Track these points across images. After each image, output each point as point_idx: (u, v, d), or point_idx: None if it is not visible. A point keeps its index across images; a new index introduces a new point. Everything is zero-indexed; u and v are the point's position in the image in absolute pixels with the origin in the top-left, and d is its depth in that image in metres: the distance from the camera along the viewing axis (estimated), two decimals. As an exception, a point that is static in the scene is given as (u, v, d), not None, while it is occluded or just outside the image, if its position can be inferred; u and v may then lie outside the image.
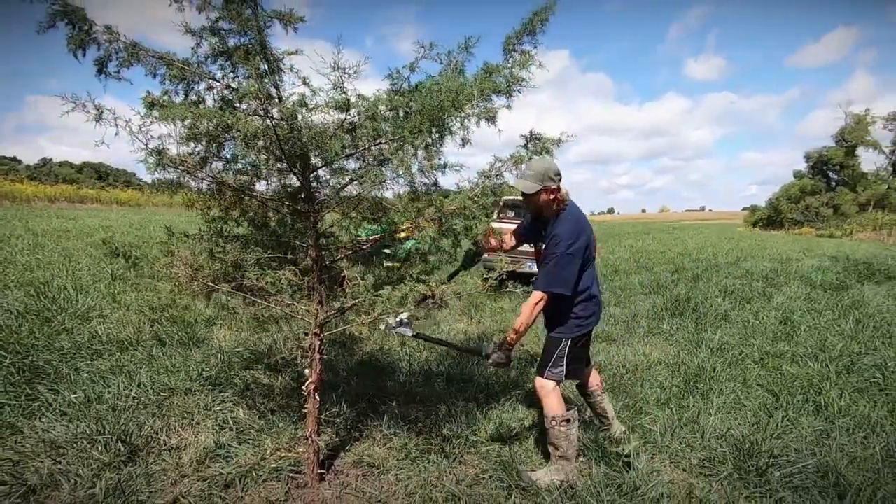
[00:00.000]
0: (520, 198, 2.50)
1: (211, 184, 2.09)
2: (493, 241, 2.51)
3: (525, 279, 6.91)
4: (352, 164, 2.11)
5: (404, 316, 2.30)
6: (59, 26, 1.72)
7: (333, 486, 2.25)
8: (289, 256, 2.30)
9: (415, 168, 2.00)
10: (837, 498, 2.15)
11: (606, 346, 4.41)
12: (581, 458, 2.48)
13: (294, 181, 2.16)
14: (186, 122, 1.83)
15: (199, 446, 2.43)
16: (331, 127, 1.88)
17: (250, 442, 2.53)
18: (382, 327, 2.27)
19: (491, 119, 2.06)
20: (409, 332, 2.50)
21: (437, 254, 2.34)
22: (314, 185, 2.13)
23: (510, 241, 2.59)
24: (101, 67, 1.83)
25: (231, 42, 1.84)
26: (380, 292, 2.27)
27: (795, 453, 2.52)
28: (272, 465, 2.32)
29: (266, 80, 1.87)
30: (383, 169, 2.00)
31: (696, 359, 4.00)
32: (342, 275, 2.22)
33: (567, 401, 2.72)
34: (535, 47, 2.05)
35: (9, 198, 19.19)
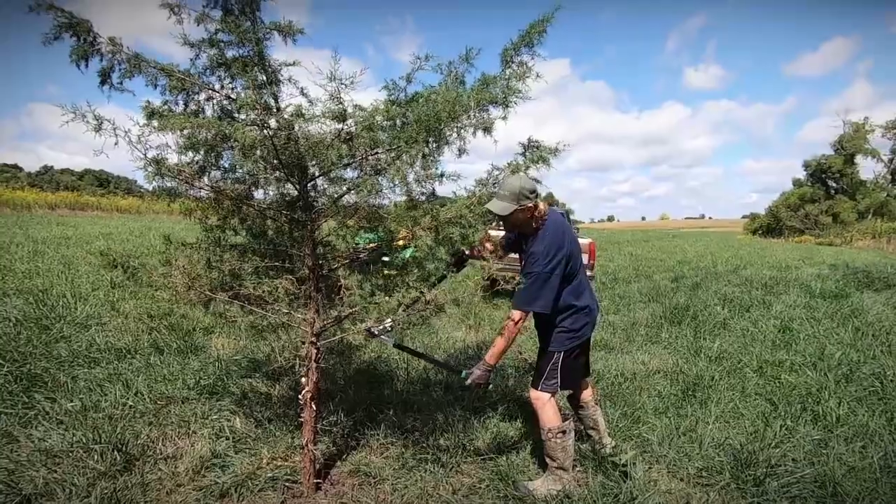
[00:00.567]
0: None
1: (209, 193, 2.11)
2: (489, 246, 2.48)
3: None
4: (349, 174, 2.13)
5: (388, 324, 2.25)
6: (64, 38, 1.75)
7: (329, 496, 2.24)
8: (286, 265, 2.31)
9: (411, 177, 2.01)
10: (835, 508, 2.14)
11: (605, 355, 4.40)
12: (578, 468, 2.47)
13: (292, 190, 2.17)
14: (185, 132, 1.85)
15: (195, 455, 2.42)
16: (328, 137, 1.89)
17: (247, 451, 2.53)
18: (364, 334, 2.22)
19: (487, 129, 2.08)
20: (389, 342, 2.40)
21: (433, 262, 2.35)
22: (312, 194, 2.15)
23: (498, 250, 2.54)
24: (104, 78, 1.86)
25: (230, 53, 1.87)
26: (374, 299, 2.28)
27: (793, 463, 2.51)
28: (268, 475, 2.31)
29: (264, 91, 1.89)
30: (380, 178, 2.02)
31: (695, 367, 3.99)
32: (339, 283, 2.23)
33: (564, 411, 2.71)
34: (533, 58, 2.07)
35: (9, 205, 19.24)
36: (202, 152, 1.96)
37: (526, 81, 2.03)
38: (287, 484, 2.28)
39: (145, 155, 1.85)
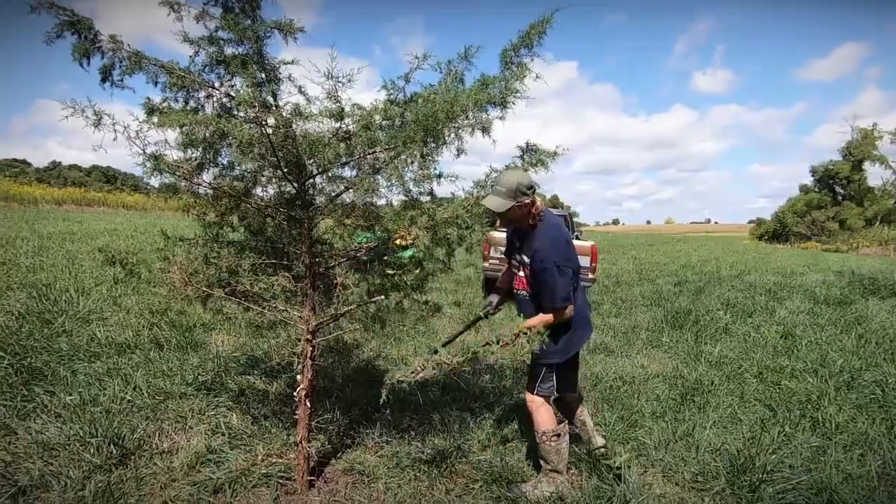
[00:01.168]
0: None
1: (207, 189, 2.12)
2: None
3: None
4: (347, 172, 2.14)
5: (418, 365, 2.16)
6: (66, 35, 1.76)
7: (322, 493, 2.24)
8: (283, 262, 2.31)
9: (408, 177, 2.01)
10: (831, 516, 2.13)
11: (604, 358, 4.39)
12: (572, 471, 2.46)
13: (290, 188, 2.18)
14: (184, 129, 1.86)
15: (190, 451, 2.43)
16: (326, 135, 1.90)
17: (242, 447, 2.54)
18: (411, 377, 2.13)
19: (486, 130, 2.08)
20: (429, 367, 2.13)
21: (430, 261, 2.35)
22: (310, 192, 2.16)
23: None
24: (106, 75, 1.88)
25: (229, 51, 1.88)
26: (374, 299, 2.29)
27: (790, 469, 2.49)
28: (262, 471, 2.32)
29: (263, 89, 1.90)
30: (378, 177, 2.03)
31: (695, 372, 3.97)
32: (335, 281, 2.23)
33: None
34: (533, 59, 2.07)
35: (16, 200, 19.41)
36: (200, 149, 1.97)
37: (524, 82, 2.02)
38: (281, 481, 2.28)
39: (143, 150, 1.86)
